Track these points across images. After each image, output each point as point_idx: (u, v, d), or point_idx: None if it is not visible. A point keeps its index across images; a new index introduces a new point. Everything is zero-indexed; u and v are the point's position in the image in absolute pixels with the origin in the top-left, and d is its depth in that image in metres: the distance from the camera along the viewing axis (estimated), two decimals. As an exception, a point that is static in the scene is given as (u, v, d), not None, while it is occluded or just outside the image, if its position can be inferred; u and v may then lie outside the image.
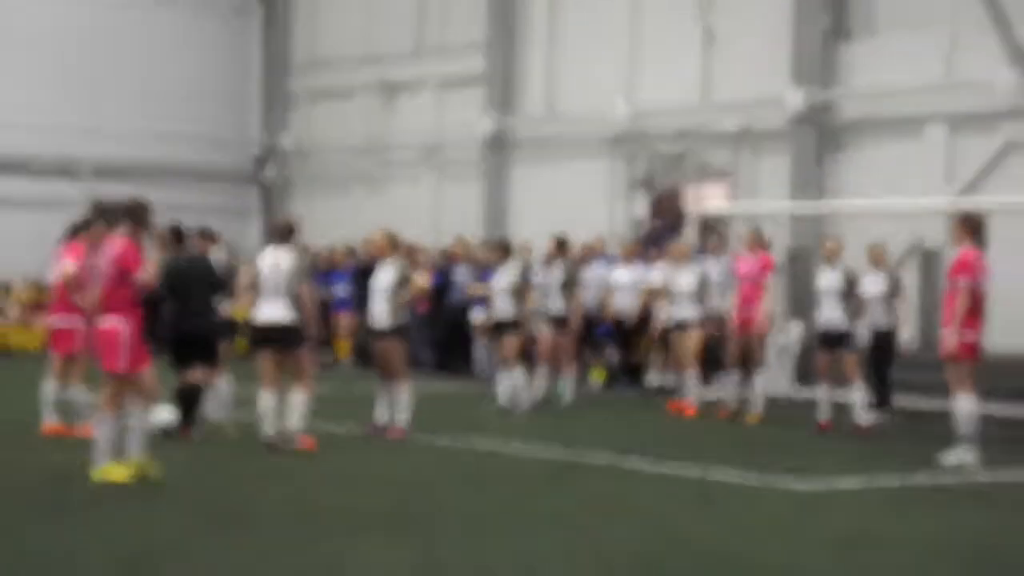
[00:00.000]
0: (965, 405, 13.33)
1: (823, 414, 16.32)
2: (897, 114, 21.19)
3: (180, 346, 14.25)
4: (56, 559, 8.46)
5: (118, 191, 29.15)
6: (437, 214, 27.76)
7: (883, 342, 16.77)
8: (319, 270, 25.23)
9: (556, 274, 18.45)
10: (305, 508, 10.41)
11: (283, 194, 31.63)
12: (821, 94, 21.90)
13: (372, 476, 12.13)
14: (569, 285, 18.36)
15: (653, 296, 19.52)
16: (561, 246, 18.89)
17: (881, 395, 16.78)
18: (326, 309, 23.55)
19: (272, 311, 13.67)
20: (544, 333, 18.45)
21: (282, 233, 14.17)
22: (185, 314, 14.01)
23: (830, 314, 16.33)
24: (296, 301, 13.63)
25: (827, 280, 16.47)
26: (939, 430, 14.32)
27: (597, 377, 21.17)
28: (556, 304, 18.34)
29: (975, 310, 13.32)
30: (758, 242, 17.80)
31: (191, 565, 8.34)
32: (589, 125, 25.30)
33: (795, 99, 21.92)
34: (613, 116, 24.73)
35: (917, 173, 20.63)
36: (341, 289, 24.22)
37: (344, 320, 24.00)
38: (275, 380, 13.67)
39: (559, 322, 18.32)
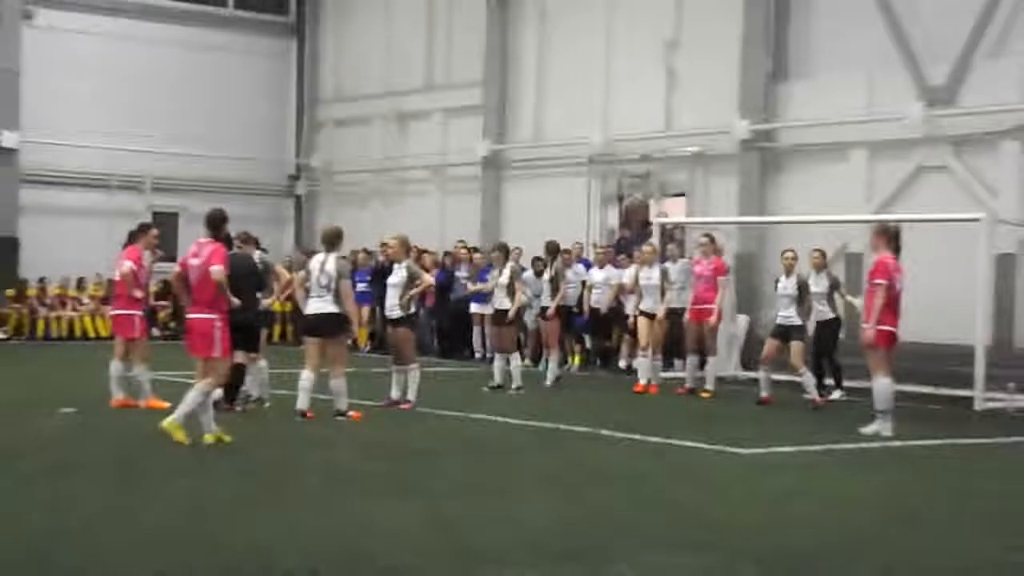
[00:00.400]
0: (882, 385, 13.33)
1: (764, 391, 16.32)
2: (826, 142, 21.14)
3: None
4: (122, 513, 8.40)
5: (175, 203, 29.64)
6: (442, 223, 27.68)
7: (826, 331, 16.81)
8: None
9: (546, 274, 18.42)
10: (330, 471, 10.35)
11: (313, 206, 31.55)
12: (763, 125, 21.86)
13: (386, 444, 12.05)
14: (555, 282, 18.33)
15: (621, 292, 19.47)
16: (554, 250, 18.92)
17: (836, 377, 16.82)
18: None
19: (319, 305, 13.68)
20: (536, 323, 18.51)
21: (331, 240, 14.15)
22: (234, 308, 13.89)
23: (785, 312, 16.31)
24: (338, 297, 13.66)
25: (783, 285, 16.45)
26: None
27: (576, 361, 21.14)
28: (545, 299, 18.35)
29: (891, 306, 13.31)
30: (711, 248, 17.77)
31: (235, 521, 8.28)
32: (569, 149, 25.21)
33: (741, 129, 21.88)
34: (589, 141, 24.67)
35: (843, 191, 20.60)
36: (361, 286, 24.15)
37: (363, 312, 23.91)
38: (317, 362, 13.72)
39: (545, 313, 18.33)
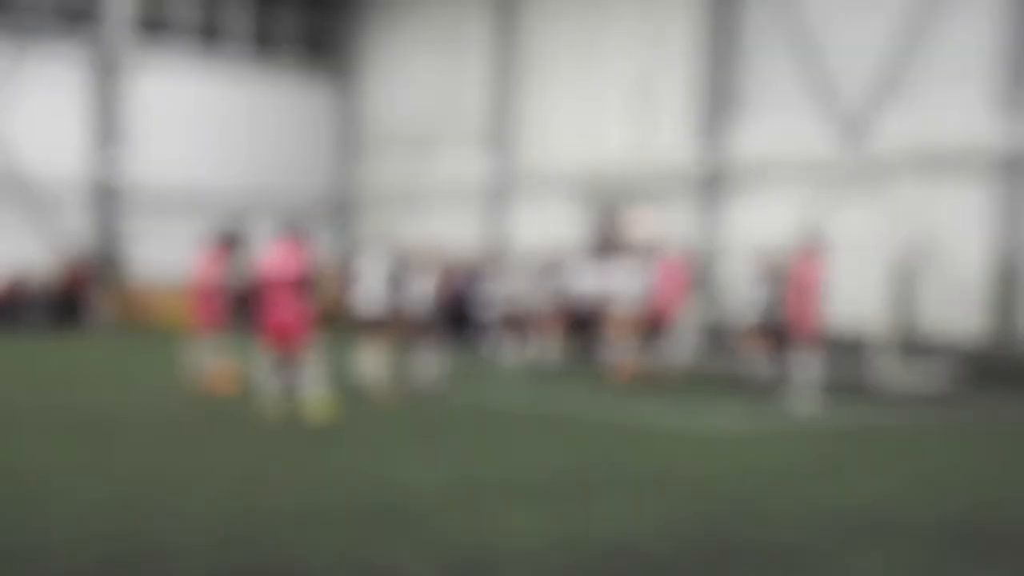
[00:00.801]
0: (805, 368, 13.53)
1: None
2: (766, 168, 21.34)
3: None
4: (180, 482, 8.32)
5: (241, 219, 29.90)
6: (458, 234, 27.82)
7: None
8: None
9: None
10: (370, 437, 10.49)
11: (357, 220, 31.70)
12: (716, 152, 22.12)
13: (412, 418, 12.05)
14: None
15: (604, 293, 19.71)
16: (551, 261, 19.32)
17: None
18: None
19: (374, 300, 13.94)
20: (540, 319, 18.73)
21: (379, 248, 14.43)
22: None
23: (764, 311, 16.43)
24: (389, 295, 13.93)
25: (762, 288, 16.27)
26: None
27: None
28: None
29: (814, 304, 13.57)
30: (671, 253, 17.83)
31: (292, 474, 8.53)
32: (560, 173, 25.45)
33: (700, 156, 22.07)
34: (577, 167, 24.95)
35: (778, 213, 20.81)
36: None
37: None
38: (373, 347, 13.94)
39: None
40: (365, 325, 13.99)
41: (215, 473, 8.65)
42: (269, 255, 11.74)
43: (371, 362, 13.93)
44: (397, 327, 14.30)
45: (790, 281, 14.03)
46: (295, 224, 11.95)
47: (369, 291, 13.90)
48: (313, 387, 11.62)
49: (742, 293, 21.16)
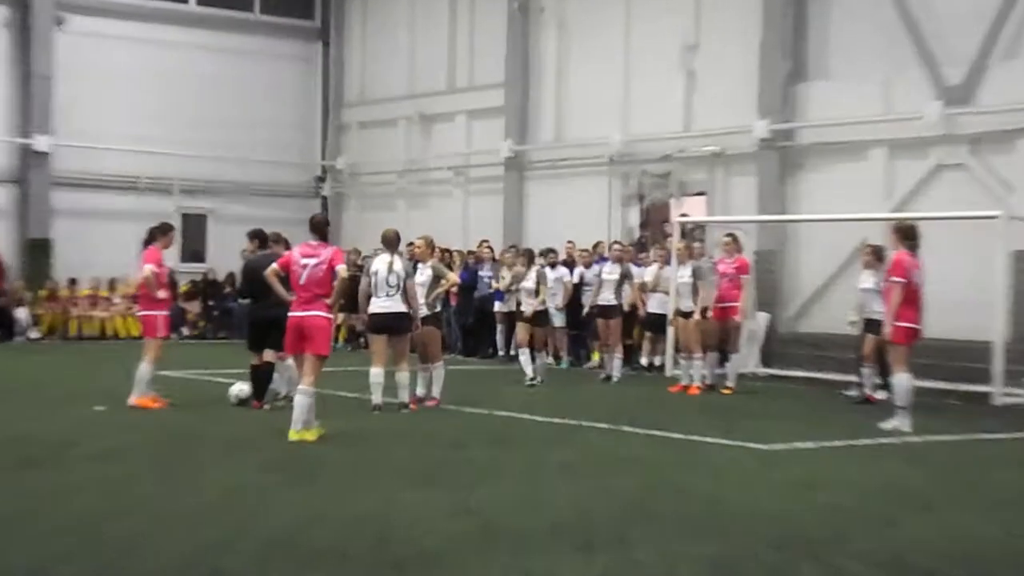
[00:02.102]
0: (901, 380, 13.35)
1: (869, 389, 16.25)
2: (845, 141, 21.15)
3: (256, 332, 14.36)
4: (163, 502, 8.58)
5: (204, 205, 29.86)
6: (465, 223, 27.80)
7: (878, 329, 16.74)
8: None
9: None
10: (359, 462, 10.48)
11: (339, 207, 31.65)
12: (782, 125, 21.89)
13: (414, 437, 12.17)
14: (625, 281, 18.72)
15: (643, 290, 19.44)
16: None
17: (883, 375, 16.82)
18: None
19: (388, 304, 14.03)
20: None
21: (393, 242, 14.35)
22: (261, 305, 14.04)
23: (877, 307, 16.03)
24: (405, 296, 14.08)
25: (867, 281, 16.23)
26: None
27: (595, 358, 21.16)
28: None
29: (909, 302, 13.29)
30: (735, 247, 17.73)
31: (265, 508, 8.43)
32: (590, 149, 25.27)
33: (761, 128, 21.90)
34: (610, 142, 24.73)
35: (862, 189, 20.61)
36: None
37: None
38: (385, 359, 14.12)
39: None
40: (380, 330, 14.22)
41: (185, 502, 8.68)
42: (297, 252, 12.22)
43: (380, 373, 14.11)
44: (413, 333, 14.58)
45: (886, 274, 13.74)
46: (321, 219, 12.73)
47: (382, 292, 14.12)
48: (305, 410, 11.78)
49: (820, 289, 20.95)
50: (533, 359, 17.79)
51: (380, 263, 14.19)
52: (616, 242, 20.02)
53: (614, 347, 18.72)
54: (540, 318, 18.15)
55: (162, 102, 29.30)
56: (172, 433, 12.08)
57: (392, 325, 14.12)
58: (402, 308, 14.07)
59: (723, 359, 17.60)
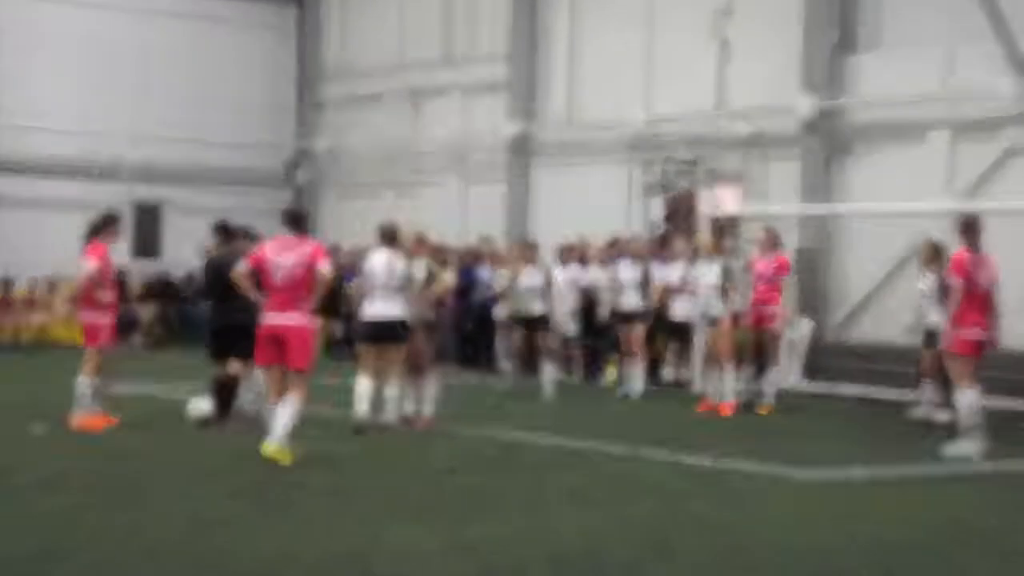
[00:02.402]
0: (965, 398, 13.37)
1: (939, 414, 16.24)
2: (901, 121, 21.21)
3: (219, 339, 14.46)
4: (119, 533, 8.69)
5: (159, 194, 29.94)
6: (463, 215, 27.90)
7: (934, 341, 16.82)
8: (348, 270, 25.37)
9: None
10: (339, 489, 10.55)
11: (315, 197, 31.77)
12: (829, 102, 21.95)
13: (402, 463, 12.23)
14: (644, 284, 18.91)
15: (667, 293, 19.52)
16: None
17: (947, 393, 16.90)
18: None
19: (386, 308, 14.16)
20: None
21: (391, 236, 14.47)
22: (226, 309, 14.14)
23: (934, 315, 16.17)
24: (406, 299, 14.25)
25: (925, 283, 16.39)
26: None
27: (612, 371, 21.20)
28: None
29: (972, 308, 13.34)
30: (774, 244, 17.82)
31: (233, 544, 8.51)
32: (607, 131, 25.35)
33: (804, 107, 21.97)
34: (630, 122, 24.80)
35: (920, 177, 20.66)
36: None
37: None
38: (374, 370, 14.22)
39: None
40: (375, 339, 14.34)
41: (141, 537, 8.79)
42: (268, 248, 12.36)
43: (369, 386, 14.23)
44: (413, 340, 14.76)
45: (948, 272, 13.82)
46: (298, 211, 13.00)
47: (379, 296, 14.27)
48: (287, 427, 11.93)
49: (871, 293, 21.00)
50: (533, 369, 17.89)
51: (377, 261, 14.28)
52: (636, 238, 20.11)
53: (635, 358, 18.80)
54: (541, 323, 18.33)
55: (110, 76, 29.35)
56: (123, 458, 12.14)
57: (388, 334, 14.24)
58: (400, 314, 14.20)
59: (759, 373, 17.66)
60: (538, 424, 15.28)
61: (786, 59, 22.45)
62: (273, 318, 11.97)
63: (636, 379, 18.80)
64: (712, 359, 17.71)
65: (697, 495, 10.80)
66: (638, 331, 18.79)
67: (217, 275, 14.18)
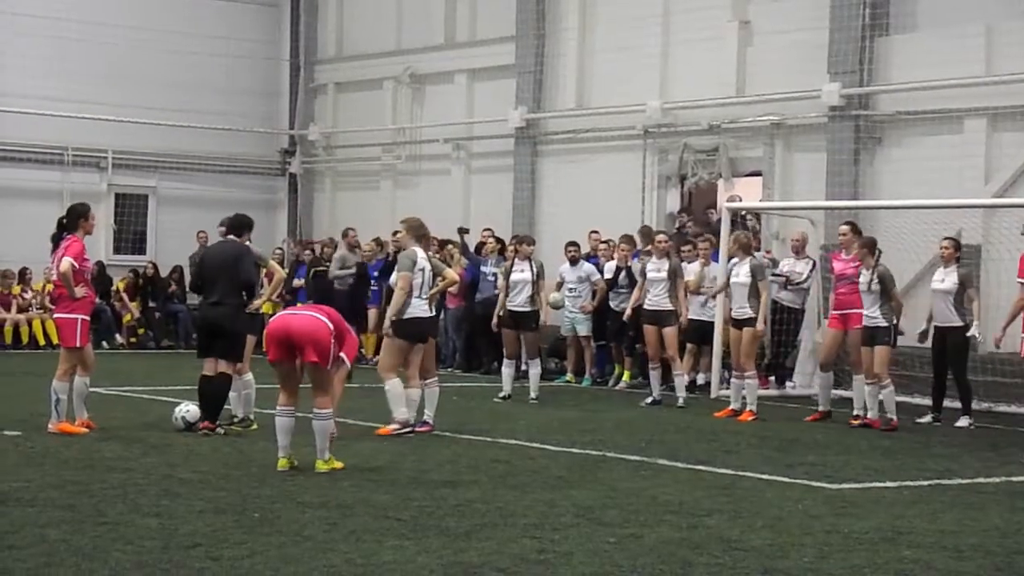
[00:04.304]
0: None
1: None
2: (936, 109, 21.07)
3: (202, 335, 14.53)
4: (83, 554, 8.51)
5: (143, 183, 29.84)
6: (466, 207, 27.84)
7: (954, 340, 16.84)
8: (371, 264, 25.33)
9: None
10: (330, 503, 10.45)
11: (310, 186, 31.79)
12: (859, 88, 21.79)
13: (399, 473, 12.16)
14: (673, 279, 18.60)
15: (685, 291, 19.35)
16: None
17: (964, 400, 16.87)
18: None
19: (426, 308, 14.65)
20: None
21: (423, 232, 14.80)
22: (208, 303, 14.17)
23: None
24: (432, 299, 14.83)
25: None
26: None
27: (625, 377, 21.08)
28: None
29: None
30: (855, 240, 17.21)
31: (212, 565, 8.35)
32: (620, 118, 25.25)
33: (831, 93, 21.80)
34: (645, 109, 24.67)
35: (956, 169, 20.57)
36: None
37: (372, 314, 24.01)
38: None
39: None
40: (420, 339, 14.76)
41: (114, 556, 8.68)
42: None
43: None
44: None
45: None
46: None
47: (424, 294, 14.73)
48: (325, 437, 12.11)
49: (903, 292, 20.87)
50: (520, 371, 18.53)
51: (423, 259, 14.56)
52: (660, 232, 19.96)
53: (676, 363, 18.61)
54: (525, 321, 18.42)
55: (91, 56, 29.18)
56: (96, 468, 12.00)
57: (429, 331, 14.91)
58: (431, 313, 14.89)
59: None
60: (546, 431, 15.21)
61: (812, 41, 22.32)
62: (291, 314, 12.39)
63: (679, 385, 18.51)
64: (733, 364, 17.60)
65: (719, 510, 10.64)
66: (670, 332, 18.36)
67: (205, 266, 14.30)
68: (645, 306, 18.39)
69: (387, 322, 14.67)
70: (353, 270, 24.24)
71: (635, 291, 19.07)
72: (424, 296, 14.50)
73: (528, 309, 18.52)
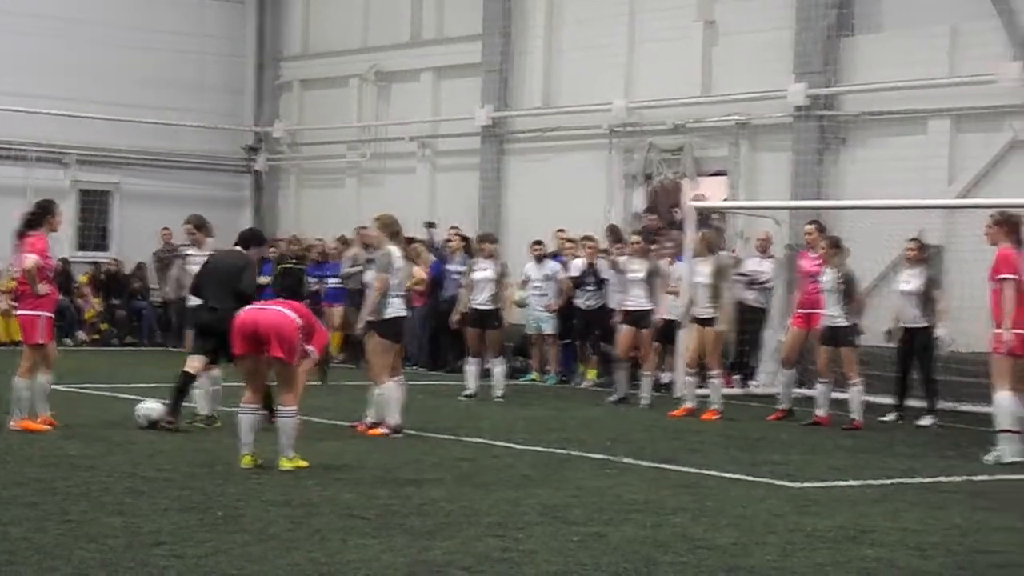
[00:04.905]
0: (1002, 400, 13.62)
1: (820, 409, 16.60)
2: (900, 109, 21.15)
3: (199, 337, 14.71)
4: (46, 552, 8.48)
5: (106, 180, 29.69)
6: (432, 205, 27.78)
7: (920, 340, 16.93)
8: (314, 261, 25.26)
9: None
10: (294, 503, 10.42)
11: (275, 184, 31.67)
12: (823, 89, 21.86)
13: (364, 472, 12.16)
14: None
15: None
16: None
17: (929, 399, 16.97)
18: (318, 302, 23.64)
19: (401, 307, 14.68)
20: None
21: (397, 232, 14.84)
22: (207, 308, 14.32)
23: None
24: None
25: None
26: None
27: (590, 375, 21.12)
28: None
29: (1021, 307, 13.61)
30: (820, 239, 17.37)
31: (175, 563, 8.32)
32: (586, 117, 25.27)
33: (797, 93, 21.86)
34: (611, 108, 24.70)
35: (920, 170, 20.64)
36: (333, 281, 24.34)
37: (335, 313, 23.99)
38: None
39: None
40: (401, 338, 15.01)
41: (77, 555, 8.61)
42: None
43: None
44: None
45: (991, 273, 14.00)
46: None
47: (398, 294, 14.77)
48: (290, 435, 12.11)
49: (866, 292, 20.97)
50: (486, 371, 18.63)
51: (399, 259, 14.61)
52: (635, 232, 20.02)
53: (646, 363, 18.68)
54: (488, 319, 18.57)
55: (55, 52, 28.96)
56: (59, 466, 11.95)
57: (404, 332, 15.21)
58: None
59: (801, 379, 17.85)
60: (510, 430, 15.23)
61: (777, 41, 22.39)
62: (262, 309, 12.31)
63: (646, 387, 18.57)
64: (693, 362, 17.67)
65: (684, 509, 10.67)
66: (648, 333, 18.50)
67: (211, 275, 14.47)
68: (626, 307, 18.58)
69: (361, 323, 14.69)
70: (362, 268, 24.16)
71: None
72: (401, 294, 14.54)
73: (491, 307, 18.59)
